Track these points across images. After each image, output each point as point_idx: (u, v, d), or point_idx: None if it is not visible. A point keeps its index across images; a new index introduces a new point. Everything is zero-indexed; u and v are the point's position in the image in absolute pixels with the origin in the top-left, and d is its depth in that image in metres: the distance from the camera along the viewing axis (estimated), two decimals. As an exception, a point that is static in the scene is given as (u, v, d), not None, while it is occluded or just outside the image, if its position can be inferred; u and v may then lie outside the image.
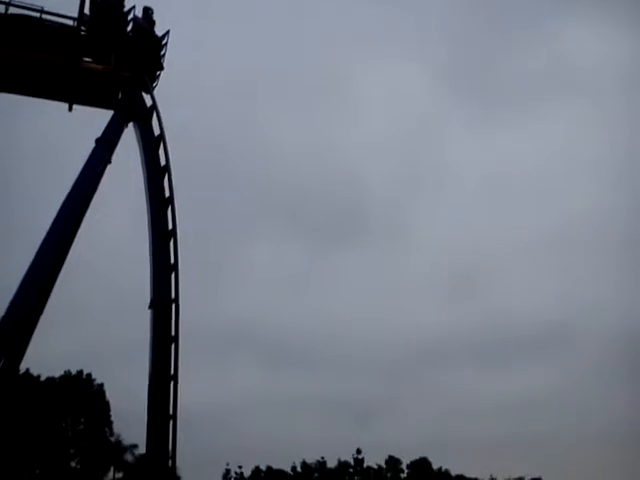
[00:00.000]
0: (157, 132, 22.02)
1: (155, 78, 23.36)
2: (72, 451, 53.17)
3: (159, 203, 21.13)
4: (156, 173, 21.54)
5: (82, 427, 53.88)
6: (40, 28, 21.25)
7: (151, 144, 21.99)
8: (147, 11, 23.29)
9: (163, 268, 20.25)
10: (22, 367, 30.05)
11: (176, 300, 19.77)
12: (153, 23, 23.35)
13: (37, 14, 21.32)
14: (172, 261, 20.30)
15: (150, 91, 22.55)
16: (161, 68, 23.36)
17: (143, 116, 22.40)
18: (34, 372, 50.95)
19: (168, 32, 23.20)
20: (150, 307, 19.94)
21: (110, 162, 21.85)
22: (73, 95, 22.16)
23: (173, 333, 19.38)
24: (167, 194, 21.18)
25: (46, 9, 21.34)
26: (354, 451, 66.10)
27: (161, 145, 21.72)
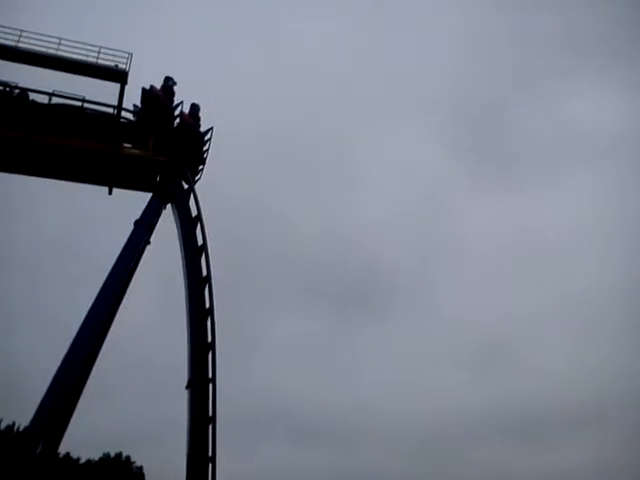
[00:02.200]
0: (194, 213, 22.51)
1: (197, 172, 23.98)
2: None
3: (197, 281, 21.32)
4: (194, 252, 21.82)
5: (121, 512, 52.97)
6: (82, 116, 22.08)
7: (189, 224, 22.39)
8: (194, 107, 24.21)
9: (200, 347, 20.23)
10: (61, 450, 29.85)
11: (213, 379, 19.67)
12: (199, 119, 24.20)
13: (79, 103, 22.19)
14: (209, 340, 20.31)
15: (190, 183, 23.02)
16: (203, 163, 24.03)
17: (181, 197, 22.91)
18: (74, 455, 50.68)
19: (212, 129, 23.94)
20: (187, 387, 19.82)
21: (149, 243, 22.24)
22: (113, 179, 22.81)
23: (210, 413, 19.24)
24: (204, 273, 21.44)
25: (87, 98, 22.19)
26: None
27: (198, 225, 22.16)
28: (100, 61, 21.57)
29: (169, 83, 23.81)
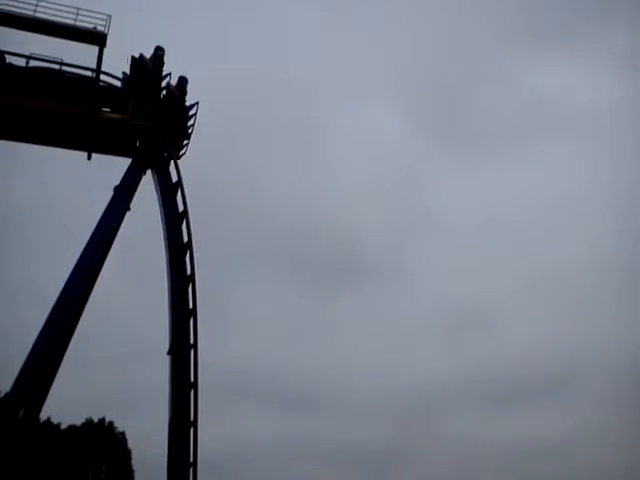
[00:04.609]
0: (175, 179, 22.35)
1: (182, 147, 23.69)
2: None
3: (178, 248, 21.24)
4: (174, 219, 21.70)
5: (104, 476, 53.39)
6: (60, 80, 21.71)
7: (169, 190, 22.23)
8: (182, 80, 23.76)
9: (182, 313, 20.25)
10: (42, 416, 29.92)
11: (195, 345, 19.73)
12: (185, 92, 23.76)
13: (57, 66, 21.80)
14: (191, 306, 20.33)
15: (172, 154, 22.79)
16: (187, 138, 23.69)
17: (161, 163, 22.70)
18: (55, 420, 50.85)
19: (197, 104, 23.58)
20: (169, 353, 19.88)
21: (129, 209, 22.08)
22: (92, 144, 22.53)
23: (192, 379, 19.35)
24: (185, 239, 21.37)
25: (65, 61, 21.80)
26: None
27: (179, 192, 22.01)
28: (78, 23, 21.13)
29: (158, 53, 23.34)
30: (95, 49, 21.47)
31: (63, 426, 52.60)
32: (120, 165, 22.49)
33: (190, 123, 23.62)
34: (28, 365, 18.25)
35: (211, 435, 19.10)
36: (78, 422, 53.94)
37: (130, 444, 55.33)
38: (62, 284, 19.70)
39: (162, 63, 23.45)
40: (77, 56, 21.76)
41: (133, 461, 55.05)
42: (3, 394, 38.32)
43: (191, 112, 23.56)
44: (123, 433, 55.88)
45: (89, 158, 22.85)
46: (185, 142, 23.72)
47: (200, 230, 21.82)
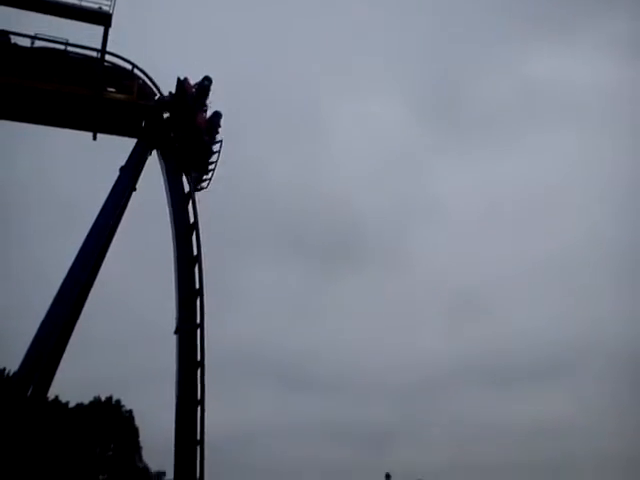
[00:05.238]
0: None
1: (202, 180, 23.10)
2: (101, 478, 53.16)
3: (184, 228, 21.36)
4: (181, 199, 21.79)
5: (111, 453, 53.97)
6: (65, 60, 21.65)
7: (175, 172, 22.27)
8: (216, 115, 23.25)
9: (188, 293, 20.41)
10: (50, 394, 30.22)
11: (201, 325, 19.91)
12: (216, 127, 23.17)
13: (62, 46, 21.73)
14: (197, 286, 20.47)
15: (191, 186, 22.18)
16: (206, 173, 23.09)
17: (166, 143, 22.71)
18: (63, 399, 51.31)
19: (221, 142, 23.01)
20: (176, 332, 20.05)
21: (135, 189, 22.12)
22: (97, 124, 22.53)
23: (199, 357, 19.53)
24: (192, 220, 21.46)
25: (71, 41, 21.72)
26: (376, 477, 65.13)
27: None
28: (84, 3, 21.01)
29: (205, 83, 22.87)
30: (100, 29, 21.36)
31: (71, 405, 53.11)
32: (126, 146, 22.50)
33: (212, 160, 23.12)
34: (35, 345, 18.46)
35: (212, 415, 19.32)
36: (86, 401, 54.50)
37: (137, 422, 55.95)
38: (68, 265, 19.85)
39: (205, 95, 23.02)
40: (84, 38, 21.64)
41: (141, 438, 55.67)
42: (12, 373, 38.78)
43: (214, 149, 23.07)
44: (130, 411, 56.41)
45: (94, 138, 22.83)
46: (205, 177, 23.15)
47: (204, 212, 21.89)
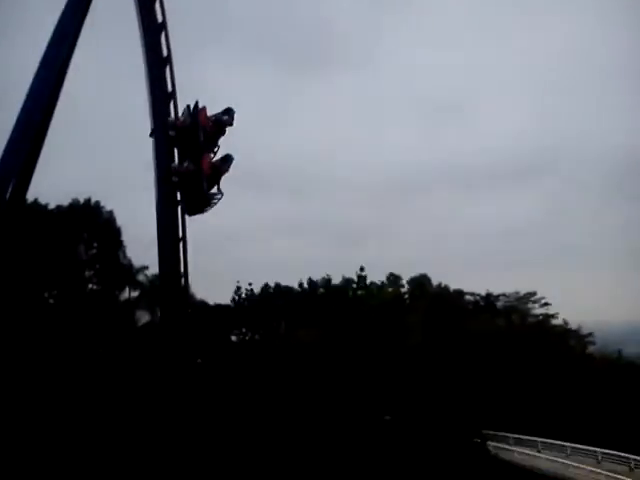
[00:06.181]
0: None
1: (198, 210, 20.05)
2: (87, 274, 55.44)
3: (153, 30, 20.77)
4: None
5: (95, 252, 55.81)
6: None
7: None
8: (227, 158, 19.87)
9: (162, 96, 20.38)
10: (29, 197, 30.78)
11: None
12: (222, 172, 19.76)
13: None
14: (170, 89, 20.43)
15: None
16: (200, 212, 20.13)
17: None
18: (42, 201, 51.98)
19: (221, 194, 19.86)
20: (151, 135, 20.26)
21: None
22: None
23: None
24: (160, 19, 20.89)
25: None
26: (356, 269, 68.87)
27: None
28: None
29: (224, 118, 19.77)
30: None
31: (51, 207, 54.05)
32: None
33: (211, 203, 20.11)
34: (11, 145, 18.54)
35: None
36: (65, 203, 55.39)
37: (121, 222, 57.21)
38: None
39: (222, 130, 19.88)
40: None
41: (125, 238, 57.29)
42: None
43: (213, 201, 19.93)
44: (111, 212, 57.60)
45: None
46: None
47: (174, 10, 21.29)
